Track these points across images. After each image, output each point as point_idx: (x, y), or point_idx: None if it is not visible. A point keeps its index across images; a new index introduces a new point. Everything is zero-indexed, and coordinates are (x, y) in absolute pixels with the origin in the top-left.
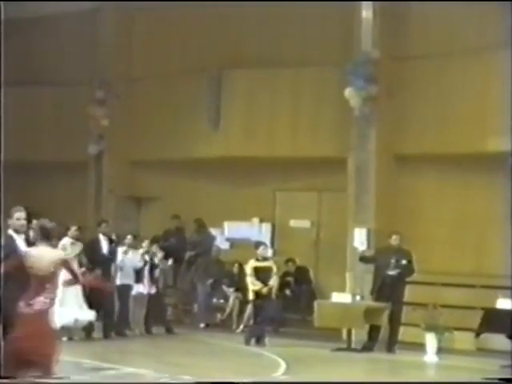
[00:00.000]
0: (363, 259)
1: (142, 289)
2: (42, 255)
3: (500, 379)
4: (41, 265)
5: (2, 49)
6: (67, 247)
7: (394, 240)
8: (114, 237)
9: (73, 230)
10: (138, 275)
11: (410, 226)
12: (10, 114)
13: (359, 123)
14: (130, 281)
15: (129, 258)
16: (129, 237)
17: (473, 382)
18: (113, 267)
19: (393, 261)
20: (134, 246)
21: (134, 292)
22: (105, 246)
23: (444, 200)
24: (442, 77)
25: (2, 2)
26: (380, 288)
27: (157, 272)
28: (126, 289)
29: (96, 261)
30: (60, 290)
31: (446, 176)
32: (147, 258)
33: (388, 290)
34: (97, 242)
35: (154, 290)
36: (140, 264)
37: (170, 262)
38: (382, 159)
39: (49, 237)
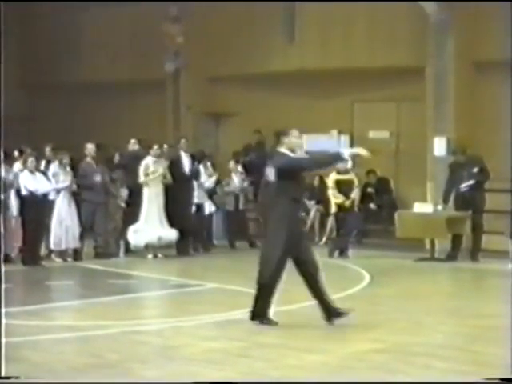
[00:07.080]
0: (446, 198)
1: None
2: None
3: (501, 379)
4: None
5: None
6: (150, 166)
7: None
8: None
9: (155, 148)
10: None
11: (490, 133)
12: (86, 34)
13: (436, 30)
14: (205, 199)
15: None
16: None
17: (472, 382)
18: (195, 185)
19: (465, 173)
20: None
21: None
22: (187, 164)
23: None
24: None
25: (2, 2)
26: (457, 198)
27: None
28: (203, 206)
29: (178, 179)
30: (144, 207)
31: None
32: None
33: (466, 199)
34: (179, 160)
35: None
36: (211, 185)
37: (246, 182)
38: (460, 66)
39: None
